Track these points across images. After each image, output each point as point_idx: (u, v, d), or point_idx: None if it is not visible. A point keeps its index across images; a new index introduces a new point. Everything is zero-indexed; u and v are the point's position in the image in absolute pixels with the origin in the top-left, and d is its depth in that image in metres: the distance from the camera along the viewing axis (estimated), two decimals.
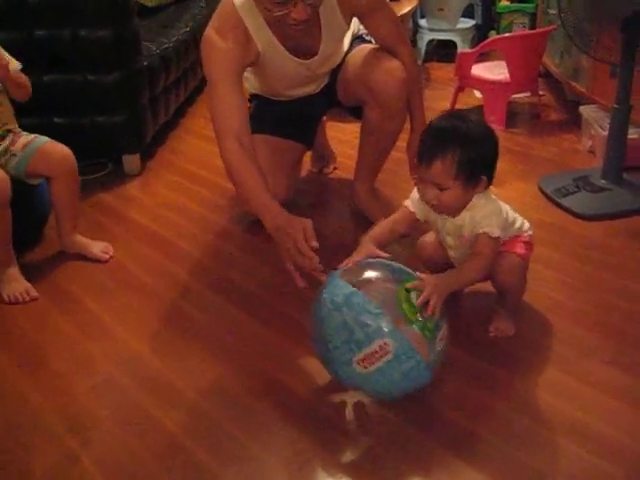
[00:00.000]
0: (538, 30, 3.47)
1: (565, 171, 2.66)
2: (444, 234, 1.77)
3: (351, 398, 1.63)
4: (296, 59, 2.10)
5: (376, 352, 1.41)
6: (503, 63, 3.15)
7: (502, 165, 2.72)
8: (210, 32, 2.00)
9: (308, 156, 2.66)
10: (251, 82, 2.40)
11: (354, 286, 1.47)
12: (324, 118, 2.64)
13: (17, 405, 1.67)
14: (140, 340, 1.88)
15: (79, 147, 2.38)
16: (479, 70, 3.22)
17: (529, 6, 4.18)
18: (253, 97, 2.46)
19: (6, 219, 2.00)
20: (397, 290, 1.48)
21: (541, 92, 3.41)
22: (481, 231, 1.64)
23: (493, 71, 3.21)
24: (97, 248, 2.26)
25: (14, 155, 2.12)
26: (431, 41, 4.30)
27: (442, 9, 4.16)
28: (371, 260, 1.62)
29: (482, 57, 3.30)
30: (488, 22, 4.42)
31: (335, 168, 2.81)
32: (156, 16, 3.61)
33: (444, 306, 1.54)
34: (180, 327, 1.94)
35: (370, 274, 1.53)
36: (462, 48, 4.10)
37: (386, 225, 1.81)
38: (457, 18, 4.20)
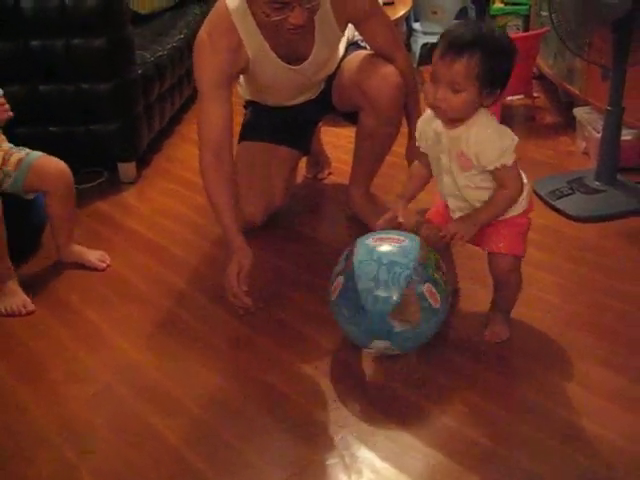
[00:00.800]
0: (531, 32, 3.48)
1: (559, 173, 2.67)
2: (438, 153, 1.70)
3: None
4: (286, 65, 2.10)
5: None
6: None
7: None
8: (202, 36, 2.01)
9: (303, 162, 2.67)
10: (245, 89, 2.41)
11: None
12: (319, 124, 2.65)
13: (16, 414, 1.67)
14: (138, 349, 1.89)
15: (74, 156, 2.39)
16: None
17: (522, 8, 4.18)
18: (248, 103, 2.46)
19: (0, 233, 2.00)
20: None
21: (535, 94, 3.42)
22: (498, 165, 1.59)
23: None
24: (94, 256, 2.26)
25: (8, 175, 2.10)
26: (425, 44, 4.30)
27: (436, 12, 4.17)
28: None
29: None
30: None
31: (330, 173, 2.82)
32: (150, 23, 3.61)
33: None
34: (177, 335, 1.94)
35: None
36: None
37: (408, 178, 1.88)
38: (451, 21, 4.21)
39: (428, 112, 1.71)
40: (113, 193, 2.78)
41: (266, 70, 2.11)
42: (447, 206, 1.78)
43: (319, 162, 2.81)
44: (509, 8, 4.27)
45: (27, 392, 1.75)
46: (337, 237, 2.40)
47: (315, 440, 1.54)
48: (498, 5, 4.33)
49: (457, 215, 1.75)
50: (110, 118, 2.73)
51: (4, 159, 2.11)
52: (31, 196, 2.21)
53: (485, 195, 1.67)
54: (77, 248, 2.27)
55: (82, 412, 1.67)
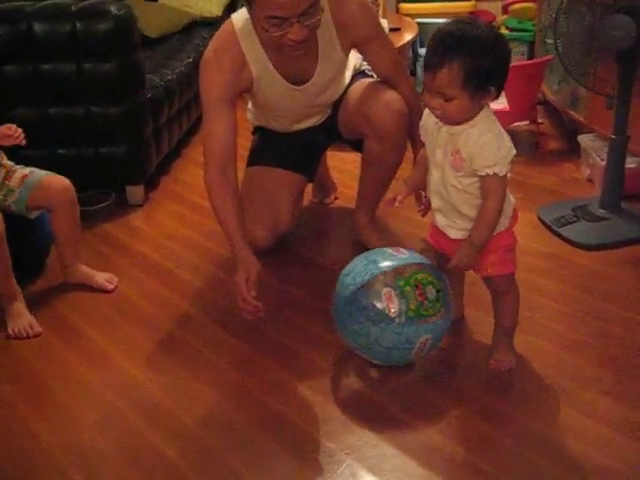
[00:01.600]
0: (536, 60, 3.51)
1: (564, 200, 2.68)
2: (434, 146, 1.67)
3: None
4: (290, 85, 2.12)
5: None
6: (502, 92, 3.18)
7: None
8: (208, 54, 2.06)
9: (309, 186, 2.69)
10: (254, 115, 2.44)
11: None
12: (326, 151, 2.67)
13: (23, 438, 1.68)
14: (143, 371, 1.90)
15: (83, 178, 2.42)
16: None
17: (527, 35, 4.22)
18: (257, 129, 2.49)
19: (4, 254, 2.01)
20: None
21: (540, 120, 3.44)
22: (490, 172, 1.56)
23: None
24: (102, 278, 2.28)
25: (12, 190, 2.14)
26: None
27: None
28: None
29: None
30: None
31: (336, 198, 2.84)
32: (159, 47, 3.66)
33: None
34: (182, 358, 1.95)
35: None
36: None
37: (414, 165, 1.91)
38: None
39: None
40: (121, 215, 2.81)
41: (270, 90, 2.14)
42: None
43: (325, 187, 2.83)
44: (514, 34, 4.31)
45: (34, 415, 1.76)
46: (342, 262, 2.38)
47: (320, 468, 1.55)
48: (503, 31, 4.37)
49: (439, 217, 1.74)
50: (119, 141, 2.76)
51: (7, 174, 2.14)
52: (34, 215, 2.23)
53: (469, 200, 1.65)
54: (84, 269, 2.29)
55: (89, 435, 1.68)
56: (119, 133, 2.75)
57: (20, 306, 2.09)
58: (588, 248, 2.37)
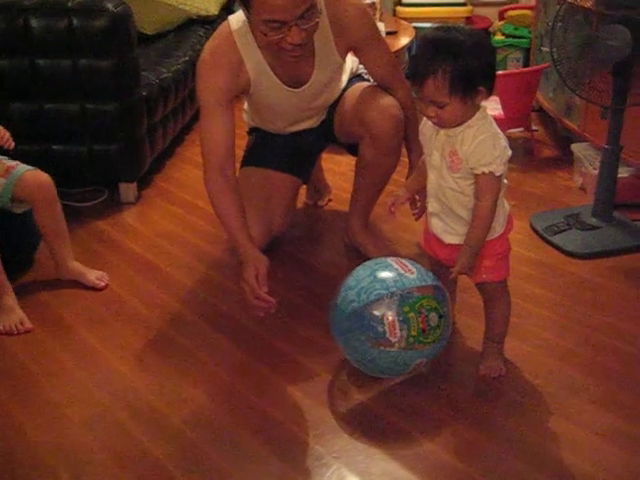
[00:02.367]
0: (532, 68, 3.52)
1: (556, 208, 2.69)
2: (432, 149, 1.68)
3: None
4: (286, 87, 2.13)
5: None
6: (496, 99, 3.19)
7: None
8: (205, 55, 2.06)
9: (303, 188, 2.69)
10: (250, 116, 2.44)
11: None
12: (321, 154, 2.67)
13: (12, 436, 1.68)
14: (133, 371, 1.90)
15: (76, 174, 2.41)
16: None
17: (523, 41, 4.24)
18: (252, 130, 2.49)
19: None
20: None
21: (534, 127, 3.46)
22: (486, 170, 1.58)
23: (487, 106, 3.24)
24: (93, 276, 2.28)
25: None
26: None
27: None
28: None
29: None
30: None
31: (330, 200, 2.84)
32: (155, 44, 3.64)
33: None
34: (172, 359, 1.95)
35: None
36: None
37: (415, 170, 1.92)
38: None
39: None
40: (113, 213, 2.80)
41: (267, 92, 2.14)
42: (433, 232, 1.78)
43: (319, 189, 2.83)
44: (510, 41, 4.33)
45: (23, 413, 1.75)
46: (335, 265, 2.42)
47: (309, 471, 1.55)
48: (499, 37, 4.38)
49: (434, 222, 1.74)
50: (113, 138, 2.75)
51: None
52: (19, 209, 2.22)
53: (466, 203, 1.66)
54: (76, 266, 2.28)
55: (78, 435, 1.68)
56: (114, 130, 2.74)
57: (11, 301, 2.09)
58: (579, 256, 2.38)
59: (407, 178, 2.34)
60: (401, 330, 1.63)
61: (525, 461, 1.55)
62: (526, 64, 4.19)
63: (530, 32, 4.12)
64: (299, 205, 2.74)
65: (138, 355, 1.96)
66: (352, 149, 2.39)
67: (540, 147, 3.40)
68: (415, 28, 3.99)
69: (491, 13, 4.62)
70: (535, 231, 2.54)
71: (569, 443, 1.60)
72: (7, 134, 2.14)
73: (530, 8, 4.14)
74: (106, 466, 1.58)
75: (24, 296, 2.19)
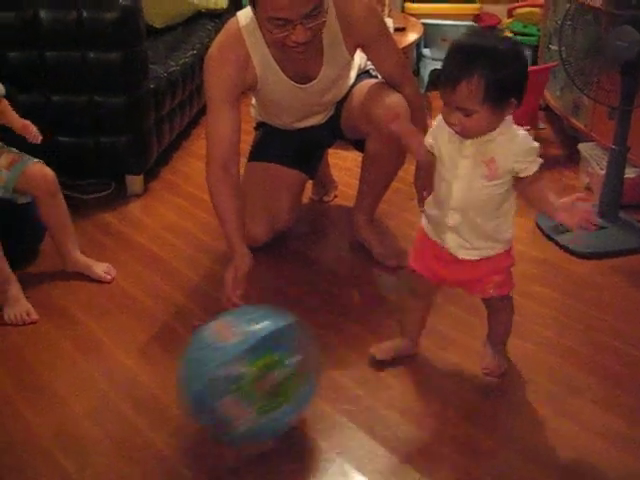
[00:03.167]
0: (541, 66, 3.52)
1: None
2: (457, 158, 1.59)
3: None
4: (293, 83, 2.13)
5: None
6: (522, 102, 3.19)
7: None
8: (212, 50, 2.07)
9: (309, 183, 2.69)
10: (257, 110, 2.44)
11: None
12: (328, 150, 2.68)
13: (15, 425, 1.69)
14: (137, 363, 1.91)
15: (83, 166, 2.42)
16: None
17: (532, 39, 4.22)
18: (259, 125, 2.50)
19: None
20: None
21: (542, 125, 3.46)
22: (534, 169, 1.54)
23: None
24: (100, 269, 2.29)
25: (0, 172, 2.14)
26: (434, 70, 4.34)
27: (445, 39, 4.21)
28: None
29: None
30: None
31: (336, 196, 2.84)
32: (163, 37, 3.65)
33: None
34: (177, 351, 1.94)
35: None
36: None
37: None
38: None
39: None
40: (120, 205, 2.81)
41: (274, 88, 2.14)
42: (434, 244, 1.71)
43: (325, 185, 2.84)
44: (518, 38, 4.31)
45: (27, 403, 1.77)
46: (339, 261, 2.43)
47: (312, 466, 1.56)
48: (508, 35, 4.38)
49: (450, 237, 1.65)
50: (121, 131, 2.76)
51: None
52: (22, 200, 2.23)
53: (492, 213, 1.62)
54: (83, 259, 2.29)
55: (81, 424, 1.69)
56: (121, 123, 2.75)
57: (16, 292, 2.10)
58: (584, 256, 2.38)
59: (414, 176, 2.34)
60: (245, 408, 1.43)
61: (525, 459, 1.56)
62: (534, 62, 4.18)
63: (539, 30, 4.11)
64: (305, 200, 2.75)
65: (142, 347, 1.98)
66: (359, 145, 2.39)
67: (546, 146, 3.40)
68: (423, 24, 3.99)
69: (500, 10, 4.62)
70: (540, 230, 2.55)
71: (569, 442, 1.61)
72: (34, 129, 2.16)
73: (539, 6, 4.13)
74: (109, 457, 1.59)
75: (29, 287, 2.19)
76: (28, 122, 2.18)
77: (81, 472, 1.55)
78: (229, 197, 2.05)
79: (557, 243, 2.45)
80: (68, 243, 2.28)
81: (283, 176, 2.38)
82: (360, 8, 2.07)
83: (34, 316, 2.07)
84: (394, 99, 2.17)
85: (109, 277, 2.28)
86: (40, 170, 2.19)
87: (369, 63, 2.33)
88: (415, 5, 4.53)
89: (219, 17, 4.09)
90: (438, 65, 4.30)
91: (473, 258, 1.67)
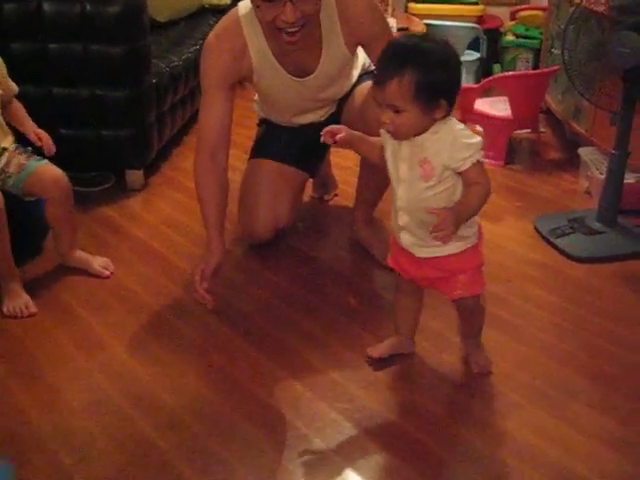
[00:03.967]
0: (543, 70, 3.52)
1: (561, 211, 2.70)
2: (398, 161, 1.62)
3: None
4: (290, 76, 2.12)
5: None
6: (505, 99, 3.20)
7: (499, 201, 2.80)
8: (210, 38, 2.07)
9: (310, 181, 2.70)
10: (260, 106, 2.44)
11: None
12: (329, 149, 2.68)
13: (14, 418, 1.69)
14: (135, 358, 1.91)
15: (84, 159, 2.42)
16: (482, 105, 3.27)
17: (534, 42, 4.24)
18: (262, 122, 2.50)
19: (3, 231, 2.02)
20: None
21: (542, 129, 3.46)
22: (474, 160, 1.54)
23: (495, 107, 3.25)
24: (97, 263, 2.29)
25: (10, 177, 2.13)
26: None
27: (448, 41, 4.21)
28: None
29: (484, 91, 3.34)
30: (492, 56, 4.47)
31: (336, 195, 2.85)
32: (166, 32, 3.65)
33: None
34: (175, 347, 1.96)
35: None
36: (466, 80, 4.16)
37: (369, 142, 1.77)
38: (462, 50, 4.25)
39: None
40: (119, 199, 2.81)
41: (271, 80, 2.14)
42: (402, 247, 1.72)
43: (326, 183, 2.84)
44: (520, 41, 4.34)
45: (26, 396, 1.77)
46: (338, 259, 2.43)
47: (309, 464, 1.57)
48: (509, 37, 4.39)
49: (404, 236, 1.68)
50: (122, 125, 2.76)
51: (8, 160, 2.14)
52: (31, 198, 2.23)
53: (436, 206, 1.57)
54: (81, 254, 2.29)
55: (79, 419, 1.69)
56: (123, 117, 2.75)
57: (17, 286, 2.10)
58: (582, 260, 2.38)
59: None
60: None
61: (520, 461, 1.57)
62: (536, 65, 4.19)
63: (541, 33, 4.12)
64: (305, 199, 2.75)
65: (140, 342, 1.98)
66: None
67: (546, 149, 3.41)
68: (426, 25, 4.00)
69: (502, 13, 4.62)
70: (539, 233, 2.55)
71: (566, 445, 1.61)
72: (49, 139, 2.20)
73: (542, 9, 4.14)
74: (106, 451, 1.59)
75: (30, 282, 2.20)
76: (41, 131, 2.20)
77: (77, 466, 1.55)
78: (213, 188, 2.07)
79: (555, 246, 2.46)
80: (69, 241, 2.28)
81: (284, 174, 2.38)
82: (361, 5, 2.06)
83: (33, 309, 2.07)
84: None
85: (107, 272, 2.28)
86: (50, 173, 2.18)
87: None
88: (418, 5, 4.52)
89: (222, 12, 4.04)
90: None
91: (431, 255, 1.67)
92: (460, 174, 1.57)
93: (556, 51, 3.36)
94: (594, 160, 2.85)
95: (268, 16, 1.85)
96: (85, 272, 2.28)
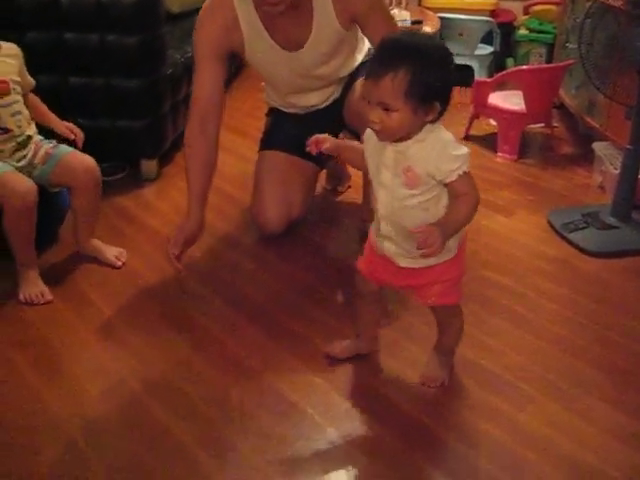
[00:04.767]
0: (558, 64, 3.51)
1: (574, 205, 2.70)
2: (380, 166, 1.54)
3: None
4: (281, 49, 2.11)
5: None
6: (519, 93, 3.19)
7: (511, 195, 2.80)
8: (203, 10, 2.11)
9: (323, 173, 2.70)
10: (267, 92, 2.45)
11: None
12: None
13: (32, 406, 1.71)
14: (150, 346, 1.93)
15: (99, 149, 2.41)
16: (496, 99, 3.27)
17: (548, 37, 4.23)
18: (270, 111, 2.50)
19: (31, 222, 2.05)
20: None
21: (555, 124, 3.46)
22: (461, 172, 1.45)
23: (509, 101, 3.25)
24: (111, 253, 2.30)
25: (35, 167, 2.15)
26: None
27: (462, 34, 4.21)
28: None
29: (497, 85, 3.34)
30: (506, 50, 4.47)
31: (349, 187, 2.85)
32: (181, 22, 3.65)
33: None
34: (189, 334, 1.98)
35: None
36: (479, 74, 4.15)
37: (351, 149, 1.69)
38: (476, 44, 4.25)
39: None
40: (134, 189, 2.83)
41: (262, 54, 2.14)
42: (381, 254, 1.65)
43: (339, 175, 2.84)
44: (534, 35, 4.32)
45: (43, 383, 1.78)
46: (348, 250, 2.43)
47: (320, 451, 1.58)
48: (523, 32, 4.38)
49: (387, 245, 1.61)
50: (137, 115, 2.77)
51: (34, 151, 2.15)
52: (56, 189, 2.24)
53: (424, 219, 1.50)
54: (96, 243, 2.31)
55: (96, 406, 1.71)
56: (137, 107, 2.77)
57: (34, 274, 2.12)
58: (595, 255, 2.38)
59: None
60: None
61: (534, 453, 1.57)
62: (549, 60, 4.18)
63: (554, 28, 4.11)
64: (318, 190, 2.75)
65: (154, 330, 1.99)
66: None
67: (559, 144, 3.41)
68: (440, 18, 3.99)
69: (516, 7, 4.61)
70: (552, 227, 2.55)
71: (578, 438, 1.62)
72: (81, 133, 2.24)
73: (556, 3, 4.13)
74: (123, 438, 1.61)
75: (46, 269, 2.22)
76: (71, 125, 2.22)
77: (94, 451, 1.57)
78: (199, 158, 2.11)
79: (568, 241, 2.46)
80: (88, 232, 2.29)
81: (295, 165, 2.38)
82: None
83: (48, 297, 2.09)
84: None
85: (119, 263, 2.29)
86: (81, 161, 2.19)
87: None
88: None
89: None
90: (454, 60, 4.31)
91: (415, 266, 1.60)
92: (446, 185, 1.50)
93: (571, 45, 3.35)
94: (608, 155, 2.84)
95: None
96: (100, 260, 2.29)
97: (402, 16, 3.68)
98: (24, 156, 2.13)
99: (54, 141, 2.22)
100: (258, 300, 2.13)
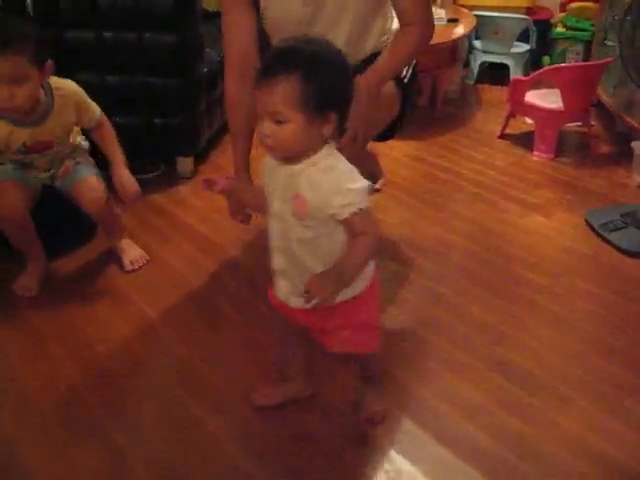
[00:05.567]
0: (596, 62, 3.46)
1: (613, 205, 2.66)
2: (272, 194, 1.41)
3: None
4: None
5: None
6: (557, 91, 3.16)
7: (548, 194, 2.77)
8: None
9: None
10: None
11: None
12: None
13: (69, 400, 1.74)
14: (185, 342, 1.95)
15: (135, 146, 2.44)
16: (533, 97, 3.23)
17: (585, 34, 4.17)
18: None
19: (26, 229, 2.13)
20: None
21: (592, 122, 3.41)
22: (357, 209, 1.29)
23: (547, 99, 3.21)
24: (128, 257, 2.30)
25: (56, 179, 2.20)
26: (484, 63, 4.31)
27: (497, 32, 4.17)
28: None
29: (534, 84, 3.30)
30: (542, 48, 4.42)
31: (385, 185, 2.83)
32: (217, 21, 3.66)
33: None
34: (227, 334, 2.00)
35: None
36: (515, 72, 4.11)
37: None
38: (512, 42, 4.21)
39: None
40: (170, 186, 2.85)
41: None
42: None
43: (373, 174, 2.81)
44: (570, 33, 4.27)
45: (80, 376, 1.81)
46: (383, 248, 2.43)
47: (360, 453, 1.59)
48: (560, 29, 4.33)
49: (281, 284, 1.47)
50: (173, 113, 2.79)
51: (60, 165, 2.21)
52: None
53: (321, 253, 1.38)
54: (123, 243, 2.34)
55: (133, 401, 1.73)
56: (174, 105, 2.78)
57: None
58: (634, 255, 2.35)
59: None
60: None
61: (573, 454, 1.57)
62: (586, 58, 4.13)
63: (592, 25, 4.06)
64: None
65: (191, 327, 2.01)
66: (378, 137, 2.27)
67: (597, 142, 3.37)
68: (476, 16, 3.96)
69: (552, 4, 4.55)
70: (590, 226, 2.52)
71: (618, 441, 1.61)
72: (130, 194, 2.19)
73: (594, 1, 4.08)
74: (160, 434, 1.63)
75: (82, 263, 2.25)
76: (128, 181, 2.19)
77: (130, 446, 1.59)
78: (241, 120, 2.02)
79: (607, 240, 2.43)
80: (113, 234, 2.33)
81: None
82: None
83: (32, 292, 2.15)
84: (385, 90, 1.99)
85: (129, 267, 2.28)
86: (89, 189, 2.17)
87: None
88: None
89: None
90: (488, 58, 4.28)
91: (307, 307, 1.38)
92: (341, 222, 1.33)
93: (610, 43, 3.30)
94: None
95: None
96: None
97: (438, 14, 3.65)
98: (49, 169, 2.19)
99: (80, 159, 2.24)
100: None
